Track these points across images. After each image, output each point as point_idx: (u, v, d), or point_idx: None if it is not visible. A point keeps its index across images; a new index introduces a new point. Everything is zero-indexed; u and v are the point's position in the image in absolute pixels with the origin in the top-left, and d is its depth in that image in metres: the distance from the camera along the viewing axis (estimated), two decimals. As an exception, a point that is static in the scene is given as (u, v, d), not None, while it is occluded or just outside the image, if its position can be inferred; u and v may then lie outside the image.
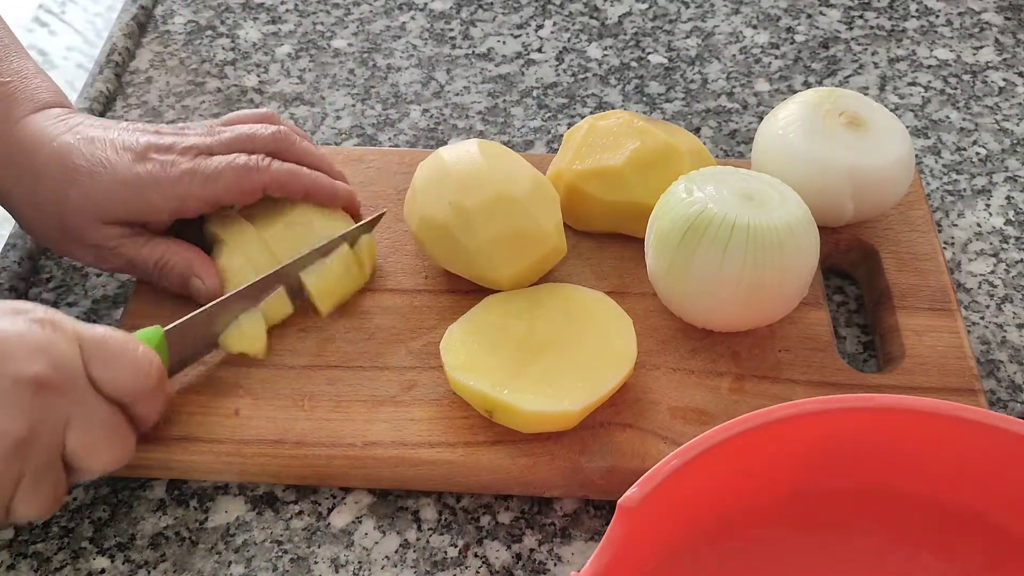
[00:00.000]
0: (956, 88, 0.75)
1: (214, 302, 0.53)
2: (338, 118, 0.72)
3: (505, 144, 0.70)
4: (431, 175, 0.55)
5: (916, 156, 0.69)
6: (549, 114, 0.73)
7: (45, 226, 0.56)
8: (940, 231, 0.65)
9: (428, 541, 0.50)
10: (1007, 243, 0.64)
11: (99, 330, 0.47)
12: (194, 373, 0.53)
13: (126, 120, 0.59)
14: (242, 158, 0.56)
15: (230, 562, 0.49)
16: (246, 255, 0.56)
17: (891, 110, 0.70)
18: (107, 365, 0.46)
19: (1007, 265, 0.63)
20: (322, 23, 0.80)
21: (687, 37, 0.80)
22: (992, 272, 0.62)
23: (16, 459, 0.43)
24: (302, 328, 0.56)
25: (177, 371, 0.52)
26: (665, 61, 0.77)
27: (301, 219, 0.57)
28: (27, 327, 0.44)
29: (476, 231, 0.53)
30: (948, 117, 0.73)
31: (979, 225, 0.65)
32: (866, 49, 0.79)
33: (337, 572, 0.49)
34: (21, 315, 0.45)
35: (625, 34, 0.80)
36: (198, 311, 0.52)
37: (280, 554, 0.49)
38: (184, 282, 0.56)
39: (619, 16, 0.82)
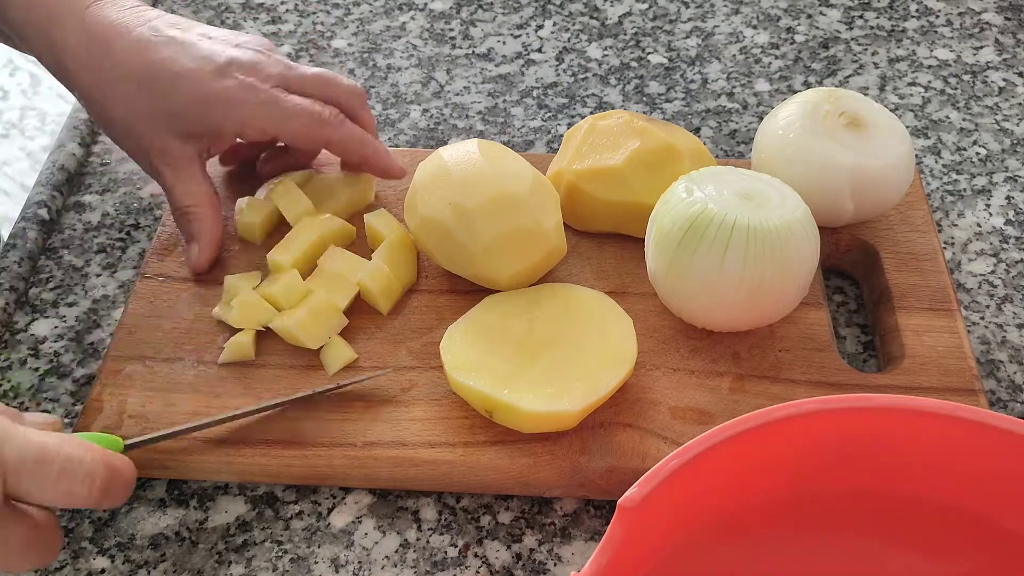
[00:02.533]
0: (956, 88, 0.75)
1: (182, 428, 0.49)
2: (338, 118, 0.72)
3: (505, 144, 0.70)
4: (431, 175, 0.55)
5: (916, 156, 0.69)
6: (549, 114, 0.73)
7: (109, 118, 0.56)
8: (940, 231, 0.65)
9: (428, 541, 0.50)
10: (1007, 243, 0.64)
11: (34, 446, 0.41)
12: (194, 373, 0.53)
13: None
14: (319, 107, 0.55)
15: (230, 562, 0.49)
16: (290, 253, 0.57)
17: (891, 110, 0.70)
18: (38, 483, 0.41)
19: (1007, 265, 0.63)
20: (322, 23, 0.80)
21: (687, 37, 0.80)
22: (992, 272, 0.62)
23: None
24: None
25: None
26: (665, 61, 0.77)
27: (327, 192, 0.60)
28: None
29: (476, 231, 0.53)
30: (948, 117, 0.73)
31: (979, 225, 0.65)
32: (866, 49, 0.79)
33: (337, 572, 0.49)
34: None
35: (625, 34, 0.80)
36: (166, 432, 0.49)
37: (280, 554, 0.49)
38: (188, 238, 0.57)
39: (619, 16, 0.82)
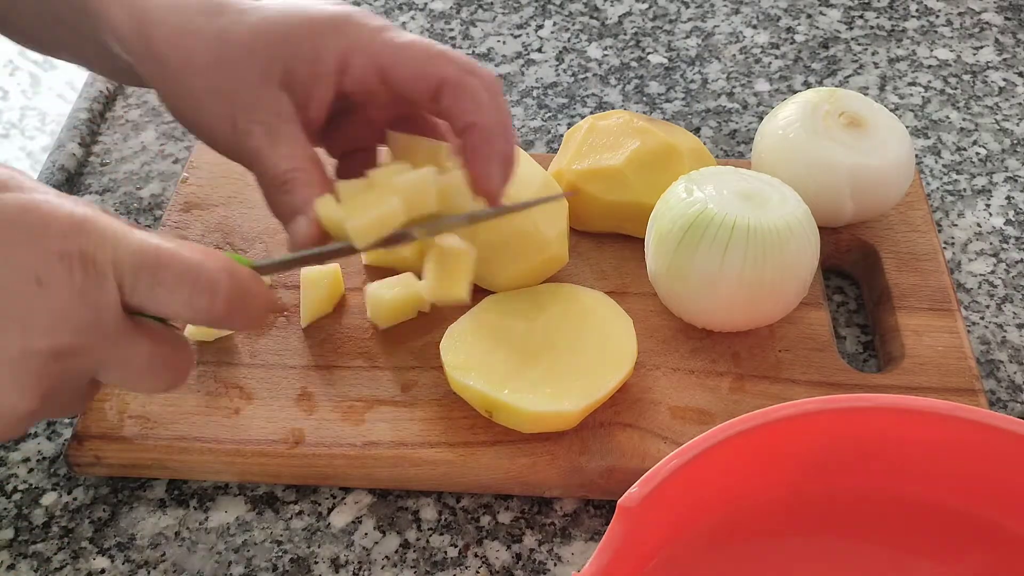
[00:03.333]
0: (956, 88, 0.75)
1: (318, 250, 0.43)
2: (338, 118, 0.72)
3: (505, 144, 0.70)
4: None
5: (916, 156, 0.69)
6: (549, 114, 0.73)
7: (189, 71, 0.45)
8: (940, 231, 0.65)
9: (428, 541, 0.50)
10: (1007, 243, 0.64)
11: (151, 248, 0.36)
12: (194, 373, 0.53)
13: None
14: (439, 45, 0.45)
15: (230, 562, 0.49)
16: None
17: (891, 110, 0.70)
18: (155, 292, 0.37)
19: (1007, 265, 0.63)
20: (322, 23, 0.80)
21: (687, 37, 0.80)
22: (992, 272, 0.62)
23: (27, 423, 0.37)
24: (303, 328, 0.56)
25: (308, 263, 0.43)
26: (665, 61, 0.77)
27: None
28: (47, 272, 0.35)
29: (476, 232, 0.53)
30: (948, 117, 0.73)
31: (979, 225, 0.65)
32: (866, 49, 0.79)
33: (337, 572, 0.49)
34: (42, 241, 0.35)
35: (625, 34, 0.80)
36: (297, 256, 0.43)
37: (280, 554, 0.49)
38: (290, 214, 0.44)
39: (619, 16, 0.82)
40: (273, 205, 0.45)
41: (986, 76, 0.76)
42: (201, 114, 0.45)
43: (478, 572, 0.49)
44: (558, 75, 0.76)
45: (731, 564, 0.44)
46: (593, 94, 0.74)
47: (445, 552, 0.49)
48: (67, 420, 0.54)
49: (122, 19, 0.45)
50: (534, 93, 0.74)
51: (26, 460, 0.53)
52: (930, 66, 0.77)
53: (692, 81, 0.76)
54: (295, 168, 0.43)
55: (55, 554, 0.49)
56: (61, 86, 0.57)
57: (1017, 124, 0.72)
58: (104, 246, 0.35)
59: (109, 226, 0.36)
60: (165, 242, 0.37)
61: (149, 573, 0.49)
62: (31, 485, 0.52)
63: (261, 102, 0.44)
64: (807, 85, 0.75)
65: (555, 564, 0.49)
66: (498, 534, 0.50)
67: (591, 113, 0.72)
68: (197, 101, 0.45)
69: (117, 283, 0.36)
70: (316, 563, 0.49)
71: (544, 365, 0.51)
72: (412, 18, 0.81)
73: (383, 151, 0.49)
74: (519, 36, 0.79)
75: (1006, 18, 0.81)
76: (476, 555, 0.49)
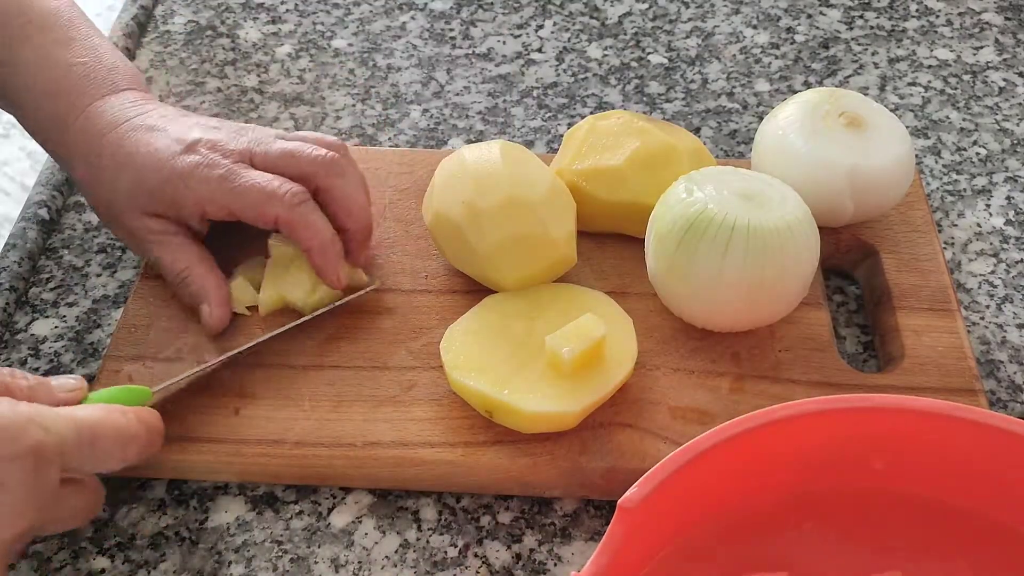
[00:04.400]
0: (956, 88, 0.75)
1: (205, 366, 0.53)
2: (338, 118, 0.72)
3: (505, 144, 0.70)
4: (450, 173, 0.55)
5: (916, 156, 0.69)
6: (549, 114, 0.73)
7: (97, 202, 0.58)
8: (940, 231, 0.65)
9: (428, 541, 0.50)
10: (1007, 243, 0.64)
11: (85, 427, 0.44)
12: (194, 373, 0.53)
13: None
14: (275, 183, 0.54)
15: (230, 562, 0.49)
16: (277, 290, 0.57)
17: (891, 110, 0.70)
18: (92, 458, 0.44)
19: (1007, 265, 0.63)
20: (322, 23, 0.80)
21: (687, 37, 0.80)
22: (992, 272, 0.62)
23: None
24: (302, 328, 0.56)
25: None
26: (665, 61, 0.77)
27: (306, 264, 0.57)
28: (6, 476, 0.40)
29: (485, 232, 0.53)
30: (948, 117, 0.73)
31: (979, 225, 0.65)
32: (866, 49, 0.79)
33: (337, 572, 0.49)
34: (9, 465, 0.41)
35: (625, 34, 0.80)
36: (188, 374, 0.52)
37: (280, 554, 0.49)
38: (195, 302, 0.56)
39: (619, 16, 0.82)
40: (180, 297, 0.57)
41: (986, 76, 0.76)
42: (117, 235, 0.59)
43: (478, 572, 0.49)
44: (558, 75, 0.76)
45: (731, 564, 0.44)
46: (593, 94, 0.74)
47: (445, 552, 0.49)
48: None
49: (53, 147, 0.59)
50: (534, 93, 0.74)
51: (26, 460, 0.53)
52: (930, 66, 0.77)
53: (692, 81, 0.76)
54: (186, 268, 0.55)
55: (55, 554, 0.49)
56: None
57: (1017, 124, 0.72)
58: (50, 437, 0.42)
59: (48, 415, 0.42)
60: (94, 414, 0.44)
61: (149, 573, 0.49)
62: (31, 485, 0.52)
63: (151, 226, 0.56)
64: (807, 85, 0.75)
65: (555, 564, 0.49)
66: (498, 534, 0.50)
67: (591, 113, 0.72)
68: (109, 226, 0.59)
69: (60, 463, 0.42)
70: (316, 563, 0.49)
71: (544, 365, 0.51)
72: (412, 18, 0.81)
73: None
74: (519, 36, 0.79)
75: (1006, 18, 0.81)
76: (476, 555, 0.49)
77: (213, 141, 0.55)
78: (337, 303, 0.57)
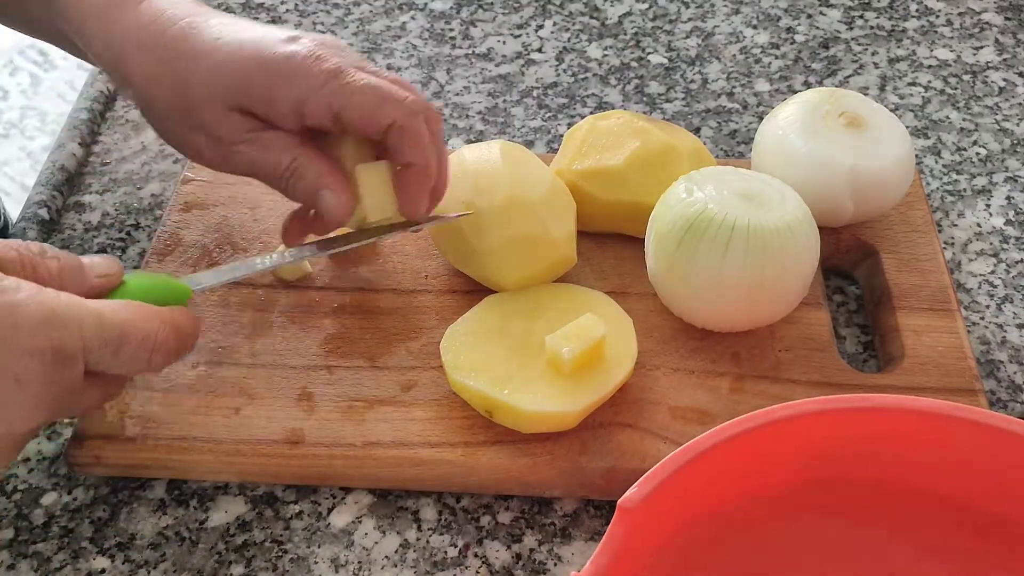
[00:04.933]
0: (956, 88, 0.75)
1: (247, 266, 0.49)
2: (338, 118, 0.72)
3: (505, 144, 0.70)
4: (452, 172, 0.55)
5: (916, 156, 0.69)
6: (549, 114, 0.73)
7: (158, 101, 0.51)
8: (940, 231, 0.65)
9: (428, 541, 0.50)
10: (1007, 243, 0.64)
11: (114, 328, 0.41)
12: (194, 373, 0.53)
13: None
14: (394, 87, 0.49)
15: (230, 562, 0.49)
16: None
17: (891, 110, 0.70)
18: (117, 360, 0.42)
19: (1007, 265, 0.63)
20: (322, 23, 0.80)
21: (687, 37, 0.80)
22: (992, 272, 0.62)
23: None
24: (302, 328, 0.56)
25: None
26: (665, 61, 0.77)
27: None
28: (23, 370, 0.39)
29: (485, 233, 0.53)
30: (948, 117, 0.73)
31: (979, 225, 0.65)
32: (866, 49, 0.79)
33: (337, 572, 0.49)
34: (14, 341, 0.39)
35: (625, 34, 0.80)
36: (231, 270, 0.49)
37: (280, 554, 0.49)
38: (313, 194, 0.49)
39: (619, 16, 0.82)
40: (292, 196, 0.50)
41: (986, 76, 0.76)
42: (185, 148, 0.52)
43: (478, 572, 0.49)
44: (558, 75, 0.76)
45: (731, 564, 0.44)
46: (593, 94, 0.74)
47: (445, 552, 0.49)
48: (67, 420, 0.54)
49: (99, 48, 0.52)
50: (534, 93, 0.74)
51: (26, 460, 0.53)
52: (930, 66, 0.77)
53: (692, 81, 0.76)
54: (294, 158, 0.49)
55: (55, 554, 0.49)
56: (61, 86, 0.57)
57: (1017, 124, 0.72)
58: (72, 334, 0.40)
59: (72, 310, 0.40)
60: (120, 312, 0.41)
61: (149, 573, 0.49)
62: (31, 485, 0.52)
63: (240, 125, 0.49)
64: (807, 85, 0.75)
65: (555, 564, 0.49)
66: (498, 534, 0.50)
67: (591, 113, 0.72)
68: (176, 137, 0.52)
69: (84, 361, 0.40)
70: (316, 563, 0.49)
71: (544, 365, 0.51)
72: (412, 18, 0.81)
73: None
74: (519, 36, 0.79)
75: (1006, 18, 0.81)
76: (476, 555, 0.49)
77: (316, 39, 0.49)
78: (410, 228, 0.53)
